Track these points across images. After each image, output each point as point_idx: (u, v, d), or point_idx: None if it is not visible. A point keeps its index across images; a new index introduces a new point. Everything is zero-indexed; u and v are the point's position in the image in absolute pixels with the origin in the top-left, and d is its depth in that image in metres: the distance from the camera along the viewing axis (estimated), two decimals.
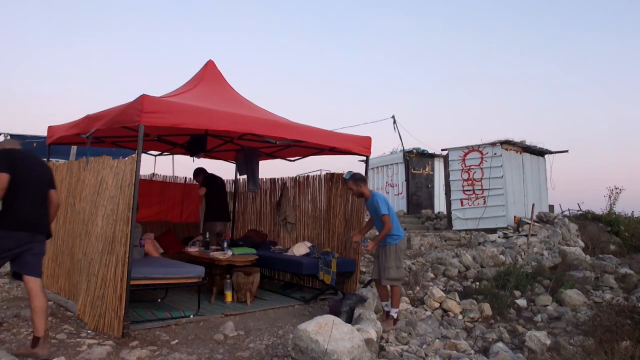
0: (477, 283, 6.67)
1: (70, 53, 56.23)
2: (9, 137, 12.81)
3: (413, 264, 7.70)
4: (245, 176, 7.42)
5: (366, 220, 6.09)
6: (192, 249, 6.22)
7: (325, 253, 6.13)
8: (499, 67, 53.51)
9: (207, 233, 6.25)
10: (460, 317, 5.37)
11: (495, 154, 12.10)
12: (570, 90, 51.30)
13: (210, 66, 6.23)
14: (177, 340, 4.16)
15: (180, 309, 4.99)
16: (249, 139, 6.52)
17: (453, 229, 12.18)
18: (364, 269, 7.61)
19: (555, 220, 11.63)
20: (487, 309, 5.51)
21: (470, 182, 12.34)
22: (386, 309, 4.92)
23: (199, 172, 7.05)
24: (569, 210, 14.77)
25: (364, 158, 6.45)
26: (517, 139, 12.58)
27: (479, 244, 10.41)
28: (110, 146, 7.14)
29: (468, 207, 12.28)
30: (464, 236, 11.47)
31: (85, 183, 5.00)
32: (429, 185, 15.90)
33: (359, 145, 6.21)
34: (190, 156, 7.00)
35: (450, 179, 12.66)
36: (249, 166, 7.09)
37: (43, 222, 3.66)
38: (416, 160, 15.69)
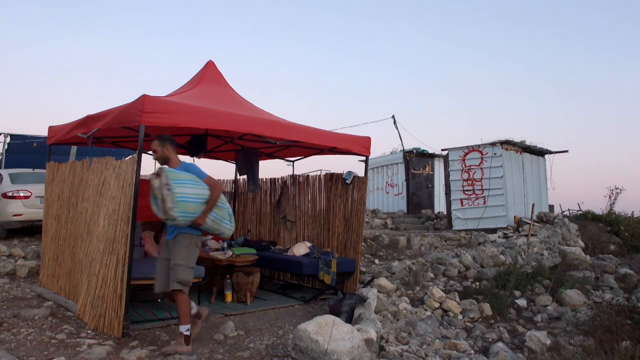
0: (477, 283, 6.66)
1: (70, 53, 56.25)
2: (9, 137, 12.84)
3: (413, 264, 7.70)
4: (245, 176, 7.43)
5: (367, 220, 6.08)
6: None
7: (325, 253, 6.13)
8: (499, 67, 53.53)
9: None
10: (460, 317, 5.37)
11: (495, 154, 12.11)
12: (570, 90, 51.30)
13: (210, 66, 6.23)
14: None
15: None
16: (249, 139, 6.52)
17: (453, 229, 12.18)
18: (364, 269, 7.62)
19: (555, 220, 11.63)
20: (487, 309, 5.51)
21: (470, 182, 12.34)
22: None
23: None
24: (569, 210, 14.76)
25: (364, 158, 6.45)
26: (517, 139, 12.59)
27: (479, 244, 10.41)
28: (111, 146, 7.15)
29: (468, 207, 12.28)
30: (464, 236, 11.48)
31: (88, 183, 5.01)
32: (429, 185, 15.91)
33: (359, 145, 6.22)
34: (191, 156, 7.00)
35: (450, 179, 12.67)
36: (249, 166, 7.10)
37: None
38: (416, 160, 15.70)
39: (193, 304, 4.07)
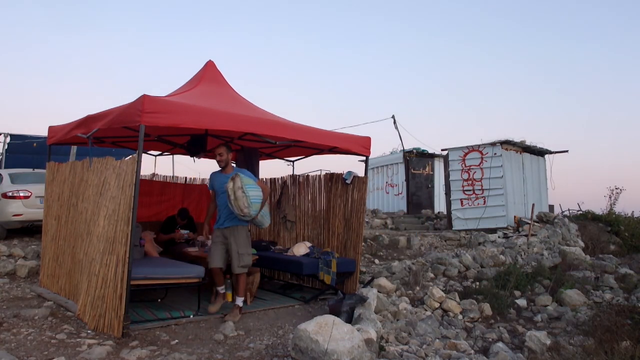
0: (477, 283, 6.66)
1: (70, 52, 56.25)
2: (9, 137, 12.84)
3: (413, 264, 7.70)
4: None
5: (367, 220, 6.11)
6: (192, 249, 6.22)
7: (325, 253, 6.13)
8: (499, 67, 53.53)
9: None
10: (460, 317, 5.37)
11: (495, 154, 12.11)
12: (571, 90, 51.31)
13: (210, 66, 6.23)
14: (177, 340, 4.16)
15: (180, 309, 4.99)
16: (249, 139, 6.52)
17: (453, 229, 12.18)
18: (364, 269, 7.61)
19: (555, 220, 11.63)
20: (487, 309, 5.51)
21: (470, 182, 12.34)
22: None
23: None
24: (569, 210, 14.77)
25: (364, 158, 6.45)
26: (517, 139, 12.60)
27: (479, 244, 10.41)
28: (111, 146, 7.15)
29: (468, 207, 12.28)
30: (464, 236, 11.47)
31: (88, 183, 5.00)
32: (429, 185, 15.91)
33: (359, 145, 6.22)
34: (191, 156, 6.99)
35: (450, 179, 12.67)
36: (249, 166, 7.09)
37: None
38: (416, 160, 15.69)
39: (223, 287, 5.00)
